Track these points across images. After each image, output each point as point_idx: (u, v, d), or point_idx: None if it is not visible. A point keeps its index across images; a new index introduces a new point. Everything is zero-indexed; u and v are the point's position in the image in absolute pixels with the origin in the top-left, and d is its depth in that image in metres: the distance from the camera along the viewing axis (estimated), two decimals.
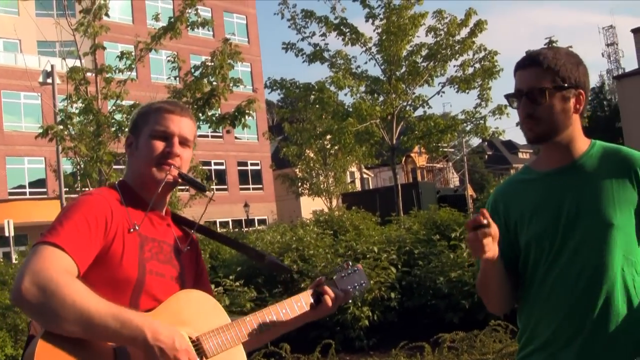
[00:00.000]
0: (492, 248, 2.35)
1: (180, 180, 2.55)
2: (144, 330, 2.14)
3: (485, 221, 2.31)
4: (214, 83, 13.82)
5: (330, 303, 2.76)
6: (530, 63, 2.55)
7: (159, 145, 2.52)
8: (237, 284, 9.37)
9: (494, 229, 2.34)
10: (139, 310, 2.29)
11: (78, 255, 2.21)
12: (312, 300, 2.76)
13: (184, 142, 2.57)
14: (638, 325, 2.41)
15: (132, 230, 2.41)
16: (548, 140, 2.55)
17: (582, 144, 2.56)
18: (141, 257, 2.40)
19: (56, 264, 2.13)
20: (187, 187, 3.06)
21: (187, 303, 2.44)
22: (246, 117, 13.51)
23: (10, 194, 40.29)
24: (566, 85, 2.48)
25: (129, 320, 2.13)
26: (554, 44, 20.36)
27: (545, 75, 2.49)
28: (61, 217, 2.29)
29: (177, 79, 15.13)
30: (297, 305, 2.73)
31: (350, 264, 3.02)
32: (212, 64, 13.90)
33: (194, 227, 2.77)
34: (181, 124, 2.57)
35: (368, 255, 9.69)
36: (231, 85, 14.05)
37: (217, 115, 14.07)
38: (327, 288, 2.78)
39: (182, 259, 2.59)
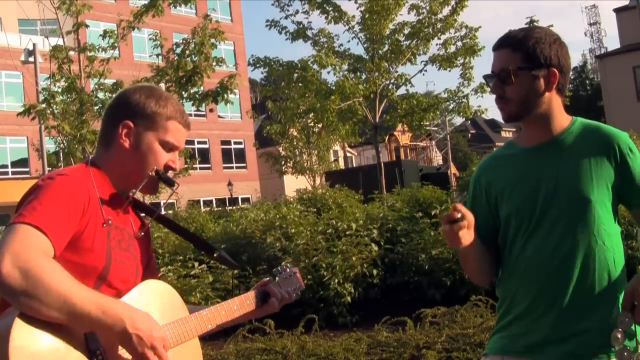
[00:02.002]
0: (466, 238, 2.41)
1: (156, 176, 2.55)
2: (123, 319, 2.13)
3: (459, 215, 2.37)
4: (196, 60, 13.79)
5: (276, 304, 2.89)
6: (500, 44, 2.63)
7: (165, 156, 2.54)
8: None
9: (469, 219, 2.40)
10: None
11: (55, 238, 2.17)
12: (258, 300, 2.87)
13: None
14: (613, 297, 2.49)
15: (105, 225, 2.39)
16: (521, 119, 2.64)
17: (562, 120, 2.62)
18: (108, 246, 2.39)
19: (36, 247, 2.10)
20: (168, 197, 3.13)
21: (154, 294, 2.47)
22: (228, 93, 13.51)
23: None
24: (534, 64, 2.54)
25: (109, 308, 2.12)
26: (535, 24, 20.44)
27: (513, 56, 2.56)
28: (39, 196, 2.23)
29: (159, 57, 15.09)
30: (246, 303, 2.81)
31: (289, 266, 3.13)
32: (194, 40, 13.87)
33: (153, 215, 2.78)
34: (184, 138, 2.62)
35: (348, 232, 9.76)
36: (214, 64, 14.03)
37: (200, 92, 14.06)
38: (273, 289, 2.90)
39: (137, 246, 2.59)
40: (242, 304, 2.80)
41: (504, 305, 2.69)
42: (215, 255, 2.91)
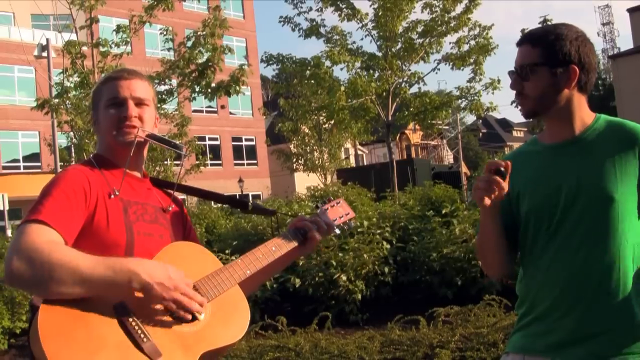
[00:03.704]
0: (493, 200, 2.43)
1: (151, 140, 2.60)
2: (137, 272, 2.16)
3: (503, 170, 2.41)
4: (205, 52, 13.81)
5: (316, 237, 2.81)
6: (522, 41, 2.61)
7: (114, 112, 2.55)
8: (233, 258, 9.42)
9: (506, 185, 2.42)
10: None
11: (63, 227, 2.23)
12: (298, 237, 2.78)
13: (140, 103, 2.59)
14: (637, 295, 2.45)
15: (112, 195, 2.44)
16: (539, 116, 2.62)
17: (585, 118, 2.58)
18: (127, 220, 2.42)
19: (40, 237, 2.16)
20: (181, 163, 3.12)
21: (178, 254, 2.46)
22: (240, 85, 13.54)
23: (4, 168, 40.16)
24: (552, 60, 2.51)
25: (120, 265, 2.16)
26: (549, 23, 20.37)
27: (532, 52, 2.54)
28: (41, 196, 2.31)
29: (171, 50, 15.13)
30: (285, 242, 2.75)
31: (332, 198, 3.05)
32: (204, 32, 13.89)
33: (173, 188, 2.81)
34: (131, 86, 2.58)
35: (360, 230, 9.72)
36: (222, 52, 14.04)
37: (211, 86, 14.08)
38: (307, 224, 2.82)
39: (168, 218, 2.63)
40: (281, 244, 2.74)
41: (525, 304, 2.66)
42: (250, 208, 3.00)
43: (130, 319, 2.17)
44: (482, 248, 2.74)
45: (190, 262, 2.45)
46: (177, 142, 2.68)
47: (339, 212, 2.99)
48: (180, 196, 2.95)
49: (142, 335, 2.15)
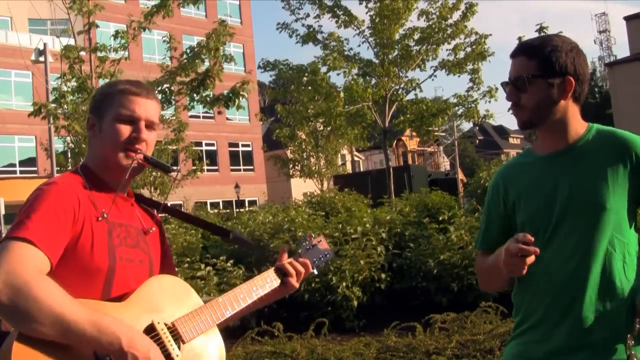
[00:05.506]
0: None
1: (146, 164, 2.50)
2: (120, 337, 2.09)
3: (532, 250, 2.31)
4: (206, 62, 13.82)
5: (294, 283, 2.78)
6: (517, 52, 2.62)
7: (125, 130, 2.44)
8: (228, 264, 9.43)
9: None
10: (111, 298, 2.28)
11: (49, 249, 2.14)
12: (279, 278, 2.76)
13: (150, 126, 2.50)
14: (629, 305, 2.47)
15: (100, 219, 2.35)
16: (535, 127, 2.63)
17: (578, 128, 2.59)
18: (111, 245, 2.34)
19: (29, 263, 2.07)
20: (178, 168, 3.08)
21: (159, 289, 2.40)
22: (240, 98, 13.54)
23: (1, 172, 40.08)
24: (549, 72, 2.52)
25: (105, 327, 2.08)
26: (545, 30, 20.40)
27: (529, 64, 2.55)
28: (28, 210, 2.21)
29: (171, 59, 15.14)
30: (267, 282, 2.72)
31: (313, 235, 3.02)
32: (207, 45, 13.89)
33: (158, 208, 2.73)
34: (147, 107, 2.49)
35: (354, 236, 9.73)
36: (223, 62, 14.05)
37: (211, 96, 14.09)
38: (286, 266, 2.78)
39: (148, 241, 2.55)
40: (262, 284, 2.71)
41: (520, 313, 2.69)
42: (230, 237, 2.91)
43: None
44: (484, 280, 2.80)
45: (170, 298, 2.41)
46: (169, 165, 2.60)
47: (320, 252, 2.97)
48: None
49: None
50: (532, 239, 2.31)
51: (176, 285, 2.50)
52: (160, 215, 2.75)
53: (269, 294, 2.74)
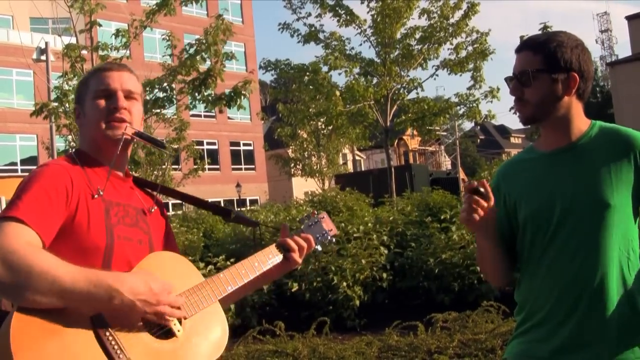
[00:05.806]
0: (483, 219, 2.45)
1: (137, 138, 2.51)
2: (118, 288, 2.07)
3: (481, 189, 2.43)
4: (207, 60, 13.80)
5: (297, 258, 2.76)
6: (522, 47, 2.61)
7: (103, 102, 2.47)
8: (229, 262, 9.40)
9: (490, 202, 2.45)
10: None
11: (40, 227, 2.13)
12: (280, 255, 2.73)
13: (129, 96, 2.51)
14: (632, 304, 2.46)
15: (95, 196, 2.35)
16: (538, 122, 2.62)
17: (581, 125, 2.59)
18: (108, 223, 2.33)
19: (19, 238, 2.06)
20: (180, 167, 3.06)
21: (160, 265, 2.38)
22: (242, 98, 13.52)
23: (2, 171, 40.05)
24: (554, 67, 2.52)
25: (101, 281, 2.06)
26: (549, 29, 20.38)
27: (534, 58, 2.55)
28: (19, 191, 2.21)
29: (172, 57, 15.12)
30: (268, 257, 2.70)
31: (316, 213, 3.00)
32: (205, 41, 13.88)
33: (156, 189, 2.74)
34: (122, 78, 2.51)
35: (356, 235, 9.72)
36: (224, 59, 14.03)
37: (212, 95, 14.08)
38: (288, 241, 2.75)
39: (148, 221, 2.54)
40: (264, 260, 2.68)
41: (523, 311, 2.67)
42: (232, 216, 2.90)
43: (107, 333, 2.10)
44: (482, 263, 2.78)
45: (171, 274, 2.37)
46: (162, 141, 2.62)
47: (322, 229, 2.95)
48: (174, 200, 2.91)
49: (119, 351, 2.09)
50: (484, 184, 2.44)
51: (177, 261, 2.49)
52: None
53: (272, 270, 2.72)
